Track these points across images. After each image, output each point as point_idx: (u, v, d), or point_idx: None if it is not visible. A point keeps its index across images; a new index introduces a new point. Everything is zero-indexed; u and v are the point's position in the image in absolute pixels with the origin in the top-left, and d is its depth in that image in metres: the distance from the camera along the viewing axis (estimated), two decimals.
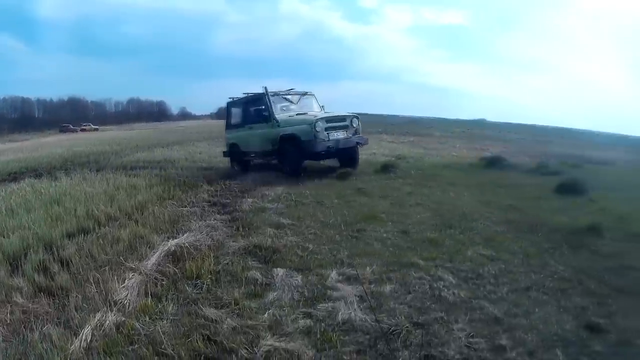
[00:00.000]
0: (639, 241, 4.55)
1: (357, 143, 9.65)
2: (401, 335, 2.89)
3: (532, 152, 15.17)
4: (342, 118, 9.57)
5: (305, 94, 11.05)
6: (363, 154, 11.15)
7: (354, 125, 9.57)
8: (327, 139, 8.95)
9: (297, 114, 9.93)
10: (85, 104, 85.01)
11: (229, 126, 12.04)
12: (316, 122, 8.85)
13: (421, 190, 7.55)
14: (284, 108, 10.35)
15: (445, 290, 3.56)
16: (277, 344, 2.81)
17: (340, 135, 9.26)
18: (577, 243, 4.51)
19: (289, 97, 10.64)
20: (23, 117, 67.96)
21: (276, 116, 9.76)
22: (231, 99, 11.88)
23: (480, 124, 38.47)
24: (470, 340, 2.79)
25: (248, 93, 11.04)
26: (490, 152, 13.92)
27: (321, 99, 11.33)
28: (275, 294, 3.59)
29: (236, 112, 11.74)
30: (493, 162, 10.53)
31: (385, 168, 9.81)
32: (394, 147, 15.95)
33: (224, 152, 12.23)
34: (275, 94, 10.32)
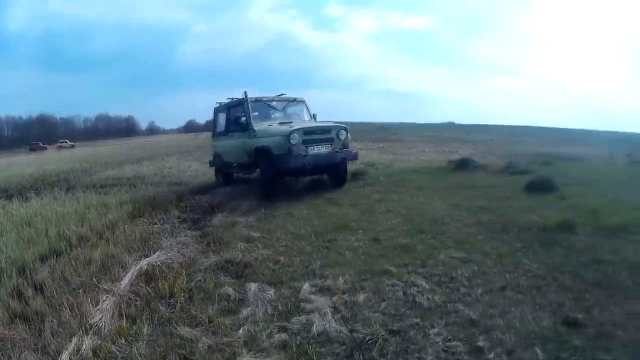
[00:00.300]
0: (610, 234, 4.56)
1: (344, 158, 8.44)
2: (377, 344, 2.81)
3: (501, 153, 15.39)
4: (325, 129, 8.40)
5: (294, 100, 10.09)
6: None
7: (341, 138, 8.32)
8: (305, 154, 7.85)
9: (278, 123, 8.70)
10: (54, 121, 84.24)
11: (214, 134, 11.18)
12: (290, 133, 7.72)
13: (391, 197, 7.52)
14: (266, 116, 9.45)
15: (420, 295, 3.48)
16: None
17: (322, 149, 8.11)
18: (549, 240, 4.49)
19: (273, 103, 9.74)
20: None
21: (254, 125, 8.73)
22: (218, 104, 10.86)
23: (449, 127, 39.17)
24: (448, 344, 2.73)
25: (232, 98, 10.06)
26: (459, 155, 14.00)
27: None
28: (249, 309, 3.49)
29: (221, 118, 10.63)
30: (462, 165, 10.59)
31: (355, 176, 9.71)
32: (363, 154, 15.92)
33: (210, 161, 11.59)
34: (257, 100, 9.43)
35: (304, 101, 10.18)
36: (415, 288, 3.62)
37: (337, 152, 8.28)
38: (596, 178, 8.48)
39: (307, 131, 8.08)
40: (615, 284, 3.38)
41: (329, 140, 8.24)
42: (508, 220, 5.38)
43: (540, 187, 7.06)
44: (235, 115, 9.46)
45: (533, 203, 6.29)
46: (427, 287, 3.63)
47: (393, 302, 3.44)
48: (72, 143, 56.56)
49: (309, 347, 2.84)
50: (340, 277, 3.98)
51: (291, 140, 7.70)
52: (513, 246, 4.45)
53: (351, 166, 11.50)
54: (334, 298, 3.59)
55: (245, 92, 9.27)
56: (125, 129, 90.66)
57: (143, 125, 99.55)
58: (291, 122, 8.67)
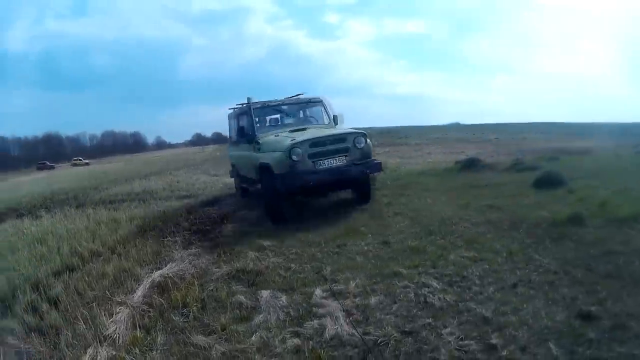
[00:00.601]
0: (620, 226, 4.54)
1: (363, 172, 6.97)
2: (390, 346, 2.80)
3: (507, 151, 15.39)
4: (339, 137, 6.86)
5: (308, 102, 8.59)
6: None
7: (359, 147, 6.81)
8: (314, 169, 6.55)
9: (289, 131, 7.50)
10: (60, 140, 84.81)
11: (230, 142, 10.47)
12: (292, 148, 6.44)
13: (399, 200, 7.54)
14: (277, 123, 8.35)
15: (431, 296, 3.48)
16: None
17: (335, 162, 6.68)
18: (559, 235, 4.47)
19: (284, 107, 8.47)
20: None
21: (260, 136, 7.59)
22: (231, 110, 9.80)
23: (454, 128, 39.03)
24: (461, 343, 2.71)
25: (243, 104, 8.70)
26: (466, 155, 13.97)
27: None
28: (261, 316, 3.51)
29: (233, 126, 9.58)
30: (468, 165, 10.57)
31: None
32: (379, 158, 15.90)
33: (230, 171, 10.85)
34: (264, 106, 8.25)
35: (320, 101, 8.58)
36: (427, 289, 3.61)
37: (356, 164, 6.77)
38: (604, 170, 8.44)
39: (315, 142, 6.68)
40: (627, 275, 3.35)
41: (344, 151, 6.74)
42: (517, 217, 5.36)
43: (548, 182, 7.04)
44: (241, 125, 8.38)
45: (542, 199, 6.27)
46: (438, 287, 3.62)
47: (405, 303, 3.44)
48: (87, 160, 57.16)
49: (322, 351, 2.85)
50: (352, 281, 3.99)
51: (293, 156, 6.41)
52: (523, 243, 4.43)
53: None
54: (346, 302, 3.60)
55: (248, 99, 8.33)
56: (132, 144, 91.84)
57: (150, 140, 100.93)
58: (304, 129, 7.55)
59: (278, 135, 7.45)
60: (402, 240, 5.07)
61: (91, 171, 31.24)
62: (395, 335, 2.91)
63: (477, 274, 3.78)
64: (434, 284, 3.69)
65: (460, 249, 4.51)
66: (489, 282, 3.58)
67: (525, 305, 3.07)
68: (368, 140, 6.99)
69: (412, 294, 3.57)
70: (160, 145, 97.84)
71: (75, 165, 52.26)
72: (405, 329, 3.00)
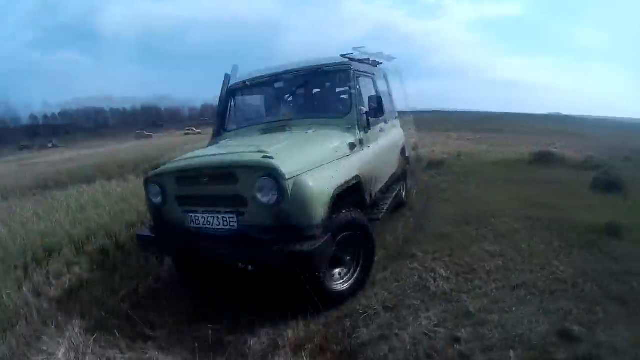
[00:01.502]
0: None
1: (276, 256, 2.89)
2: (365, 315, 2.99)
3: (590, 146, 14.18)
4: (224, 171, 3.25)
5: (322, 71, 4.51)
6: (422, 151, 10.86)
7: (262, 199, 3.02)
8: (184, 226, 3.47)
9: (263, 131, 4.47)
10: (158, 110, 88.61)
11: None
12: (148, 180, 3.73)
13: (457, 187, 7.31)
14: (268, 109, 5.15)
15: (432, 281, 3.49)
16: None
17: (218, 221, 3.26)
18: (590, 243, 4.12)
19: (279, 84, 4.81)
20: (97, 126, 71.25)
21: (225, 135, 4.91)
22: None
23: (554, 118, 36.42)
24: (431, 328, 2.76)
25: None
26: (555, 147, 12.88)
27: None
28: None
29: None
30: (539, 158, 9.80)
31: (431, 165, 9.48)
32: (458, 145, 15.29)
33: None
34: (251, 84, 4.92)
35: (347, 69, 4.34)
36: (432, 274, 3.63)
37: (264, 233, 3.02)
38: None
39: (185, 173, 3.48)
40: (636, 302, 3.00)
41: (238, 202, 3.15)
42: (557, 217, 4.98)
43: (604, 184, 6.41)
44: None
45: (592, 201, 5.75)
46: (444, 275, 3.61)
47: (405, 284, 3.51)
48: (199, 131, 57.32)
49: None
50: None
51: (150, 196, 3.65)
52: (550, 245, 4.16)
53: (433, 155, 11.09)
54: None
55: (234, 67, 5.12)
56: None
57: None
58: (283, 128, 4.32)
59: (230, 140, 4.46)
60: (437, 226, 5.00)
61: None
62: (375, 308, 3.05)
63: (488, 269, 3.67)
64: (442, 271, 3.67)
65: (487, 241, 4.36)
66: (494, 279, 3.47)
67: (514, 309, 2.95)
68: (303, 181, 2.99)
69: (417, 277, 3.61)
70: None
71: (187, 134, 50.72)
72: (389, 305, 3.10)
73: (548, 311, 2.95)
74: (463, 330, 2.72)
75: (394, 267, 3.87)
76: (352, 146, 3.86)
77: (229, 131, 4.85)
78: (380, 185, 4.54)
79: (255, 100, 5.28)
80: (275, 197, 2.95)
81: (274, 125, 4.43)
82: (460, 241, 4.45)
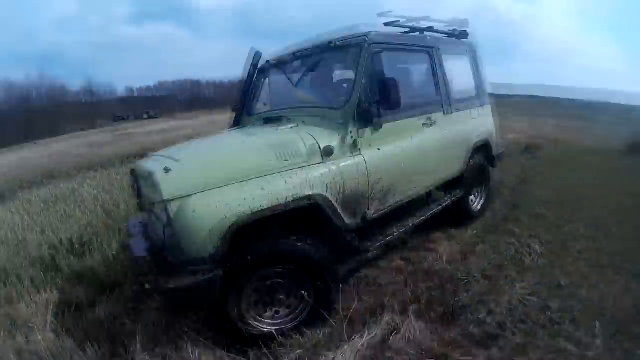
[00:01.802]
0: None
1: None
2: (465, 282, 3.48)
3: None
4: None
5: (333, 46, 3.51)
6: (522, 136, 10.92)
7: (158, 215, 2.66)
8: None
9: (266, 119, 3.87)
10: None
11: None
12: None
13: (552, 171, 7.44)
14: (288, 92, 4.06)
15: (528, 256, 3.91)
16: None
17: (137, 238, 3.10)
18: None
19: (297, 63, 4.00)
20: (193, 98, 70.59)
21: (244, 120, 4.39)
22: None
23: None
24: (525, 297, 3.15)
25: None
26: None
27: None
28: None
29: None
30: (635, 149, 9.26)
31: (528, 149, 9.54)
32: (555, 131, 14.61)
33: None
34: (281, 61, 4.15)
35: (360, 42, 3.31)
36: (528, 249, 4.04)
37: (162, 252, 2.59)
38: None
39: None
40: None
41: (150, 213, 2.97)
42: None
43: None
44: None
45: None
46: (538, 250, 3.99)
47: (503, 256, 3.96)
48: None
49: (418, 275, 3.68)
50: (470, 230, 4.68)
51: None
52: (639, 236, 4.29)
53: (528, 140, 10.96)
54: (457, 246, 4.32)
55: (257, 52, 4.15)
56: None
57: None
58: (279, 119, 3.68)
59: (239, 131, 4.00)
60: (533, 206, 5.35)
61: None
62: (475, 275, 3.55)
63: (579, 248, 4.01)
64: (537, 247, 4.06)
65: (579, 224, 4.66)
66: (584, 258, 3.82)
67: (601, 286, 3.28)
68: (188, 205, 2.47)
69: (513, 251, 4.04)
70: None
71: None
72: (488, 274, 3.60)
73: (632, 291, 3.26)
74: (554, 300, 3.13)
75: (492, 241, 4.34)
76: (328, 152, 2.99)
77: (251, 115, 4.27)
78: (400, 197, 3.65)
79: (277, 82, 4.36)
80: (165, 218, 2.49)
81: (275, 115, 3.79)
82: (554, 222, 4.77)
